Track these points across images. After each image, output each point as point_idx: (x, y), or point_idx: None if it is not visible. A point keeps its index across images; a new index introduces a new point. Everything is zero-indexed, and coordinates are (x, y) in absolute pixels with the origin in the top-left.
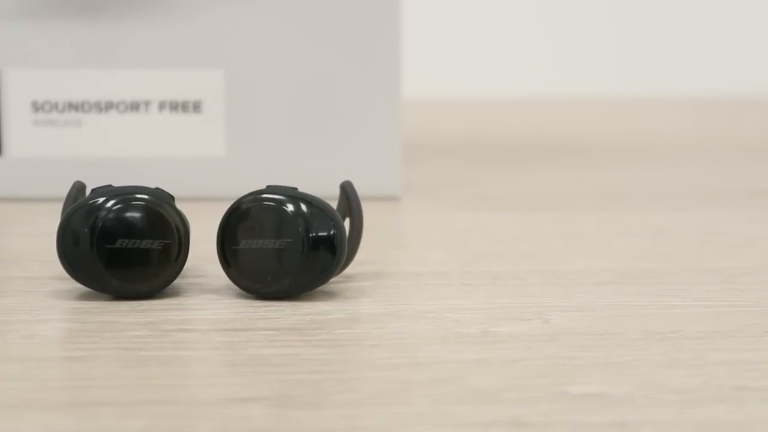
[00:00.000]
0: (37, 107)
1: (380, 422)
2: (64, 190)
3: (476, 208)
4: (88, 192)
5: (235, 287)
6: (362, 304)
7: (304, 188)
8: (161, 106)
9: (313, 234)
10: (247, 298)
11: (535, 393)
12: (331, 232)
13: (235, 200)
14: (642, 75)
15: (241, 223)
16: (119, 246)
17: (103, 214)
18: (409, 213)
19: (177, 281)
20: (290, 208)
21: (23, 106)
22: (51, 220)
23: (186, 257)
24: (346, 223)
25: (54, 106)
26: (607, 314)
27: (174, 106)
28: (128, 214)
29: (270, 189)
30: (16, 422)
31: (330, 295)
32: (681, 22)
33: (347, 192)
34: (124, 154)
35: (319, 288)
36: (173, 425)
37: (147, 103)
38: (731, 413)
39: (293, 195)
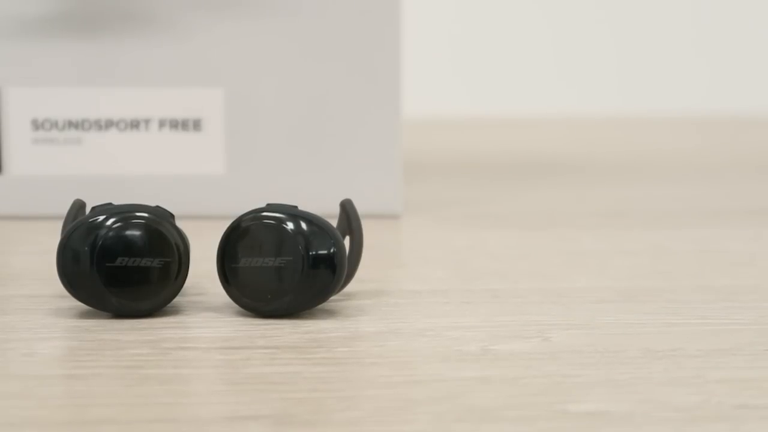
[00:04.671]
0: (37, 125)
1: None
2: (64, 209)
3: (476, 226)
4: (88, 210)
5: (235, 305)
6: (362, 322)
7: (304, 206)
8: (161, 124)
9: (313, 252)
10: (247, 316)
11: (536, 411)
12: (331, 251)
13: (235, 218)
14: (643, 93)
15: (241, 241)
16: (119, 264)
17: (103, 232)
18: (409, 231)
19: (177, 299)
20: (290, 226)
21: (23, 124)
22: (51, 238)
23: (186, 275)
24: (346, 242)
25: (54, 125)
26: (608, 332)
27: (174, 125)
28: (128, 233)
29: (270, 207)
30: None
31: (330, 314)
32: (683, 40)
33: (347, 210)
34: (124, 173)
35: (319, 306)
36: None
37: (147, 122)
38: (732, 431)
39: (293, 213)
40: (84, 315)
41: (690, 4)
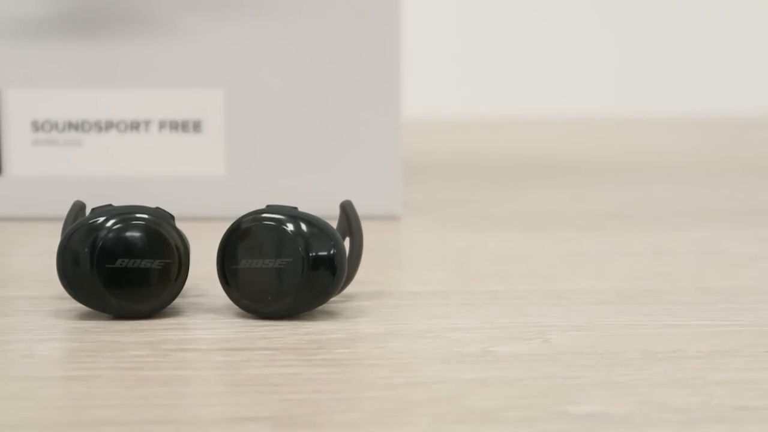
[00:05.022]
0: (37, 127)
1: None
2: (64, 210)
3: (476, 228)
4: (88, 211)
5: (235, 307)
6: (362, 323)
7: (304, 208)
8: (161, 125)
9: (313, 253)
10: (247, 317)
11: (536, 413)
12: (331, 252)
13: (235, 220)
14: (643, 94)
15: (241, 243)
16: (119, 265)
17: (103, 233)
18: (409, 232)
19: (177, 301)
20: (290, 227)
21: (23, 125)
22: (51, 239)
23: (186, 277)
24: (346, 243)
25: (54, 126)
26: (608, 334)
27: (174, 126)
28: (128, 234)
29: (270, 208)
30: None
31: (330, 315)
32: (683, 41)
33: (347, 211)
34: (124, 174)
35: (319, 307)
36: None
37: (147, 123)
38: None
39: (293, 214)
40: (84, 316)
41: (690, 5)
